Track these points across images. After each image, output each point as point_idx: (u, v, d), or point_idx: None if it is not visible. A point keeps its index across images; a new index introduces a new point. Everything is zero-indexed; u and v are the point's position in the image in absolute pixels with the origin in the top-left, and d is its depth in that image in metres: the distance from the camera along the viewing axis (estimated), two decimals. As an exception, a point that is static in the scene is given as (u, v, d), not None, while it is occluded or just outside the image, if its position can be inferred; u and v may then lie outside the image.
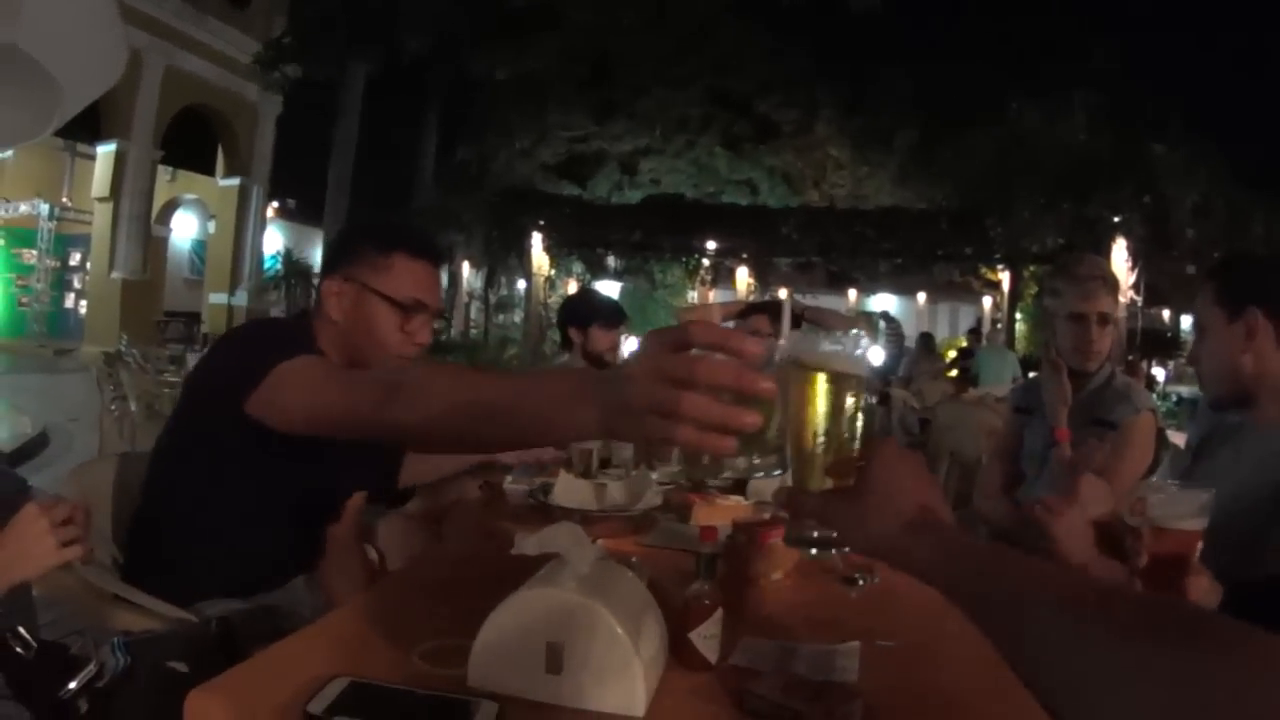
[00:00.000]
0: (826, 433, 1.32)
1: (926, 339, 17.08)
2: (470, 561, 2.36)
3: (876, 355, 17.92)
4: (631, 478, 2.96)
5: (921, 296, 29.08)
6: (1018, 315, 22.88)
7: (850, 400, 1.32)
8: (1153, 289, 19.84)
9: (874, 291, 27.54)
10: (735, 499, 3.00)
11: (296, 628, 1.87)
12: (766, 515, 2.40)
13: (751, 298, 19.32)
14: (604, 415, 1.27)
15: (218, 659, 1.80)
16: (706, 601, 1.70)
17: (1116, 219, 19.88)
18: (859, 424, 1.33)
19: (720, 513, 2.76)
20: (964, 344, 19.90)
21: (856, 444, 1.33)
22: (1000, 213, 21.56)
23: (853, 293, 25.83)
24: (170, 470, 2.45)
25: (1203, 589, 1.73)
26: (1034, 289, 22.76)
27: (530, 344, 22.48)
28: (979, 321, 25.72)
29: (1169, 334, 23.70)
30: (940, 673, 1.77)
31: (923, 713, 1.61)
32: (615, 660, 1.47)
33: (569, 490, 2.84)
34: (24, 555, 1.83)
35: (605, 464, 3.43)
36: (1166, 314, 24.98)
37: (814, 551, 1.43)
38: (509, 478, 3.24)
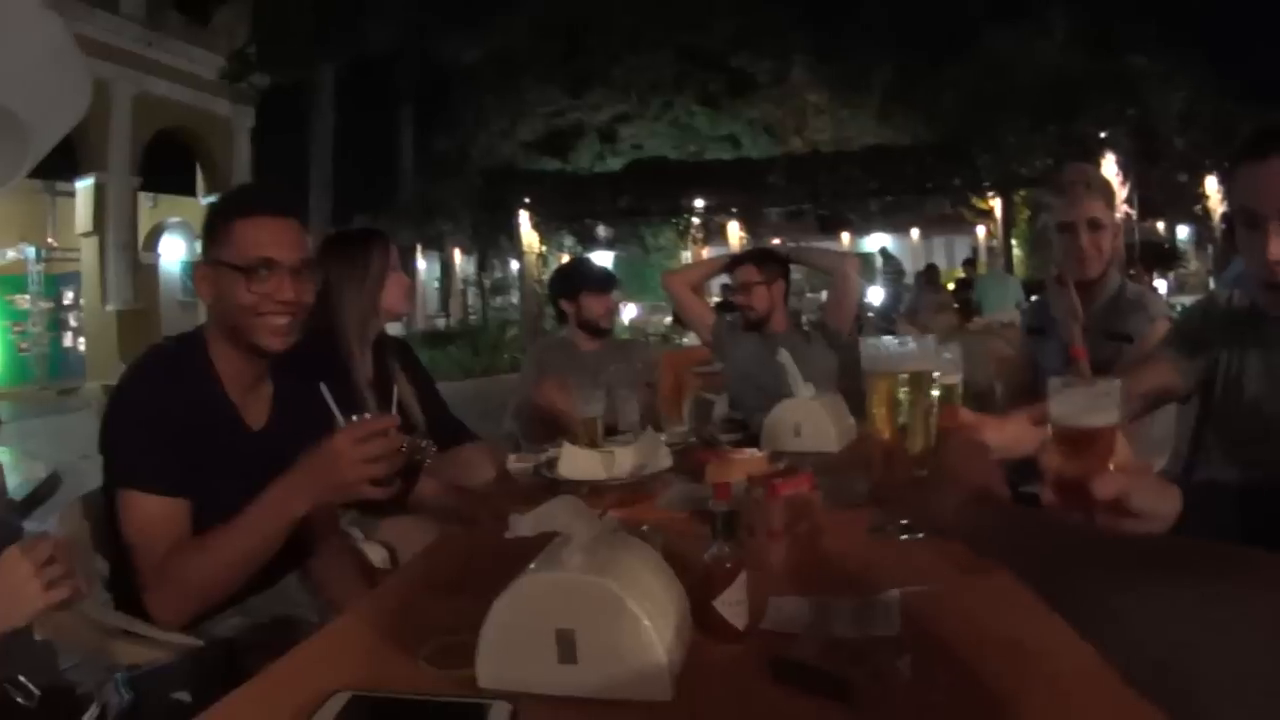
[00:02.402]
0: (905, 428, 1.50)
1: (931, 271, 16.89)
2: (478, 551, 2.27)
3: (876, 294, 17.97)
4: (639, 441, 2.85)
5: (915, 232, 28.98)
6: (1013, 241, 22.85)
7: (923, 395, 1.50)
8: (1146, 202, 19.78)
9: (867, 232, 27.40)
10: (750, 452, 2.89)
11: (304, 633, 1.77)
12: (781, 465, 2.28)
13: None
14: (313, 494, 2.02)
15: (221, 684, 1.72)
16: (728, 564, 1.58)
17: (1103, 134, 19.83)
18: (934, 416, 1.50)
19: (735, 468, 2.66)
20: (962, 275, 19.85)
21: (932, 435, 1.50)
22: (986, 141, 21.59)
23: (846, 235, 25.69)
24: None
25: (1119, 486, 1.55)
26: (1026, 213, 22.76)
27: (529, 322, 22.55)
28: (974, 251, 25.72)
29: (1166, 245, 23.65)
30: (986, 618, 1.63)
31: (978, 664, 1.47)
32: (634, 642, 1.35)
33: (575, 462, 2.74)
34: (9, 603, 1.72)
35: (610, 431, 3.32)
36: (1161, 226, 24.86)
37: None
38: (512, 456, 3.14)
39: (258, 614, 2.32)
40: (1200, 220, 22.58)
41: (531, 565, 1.44)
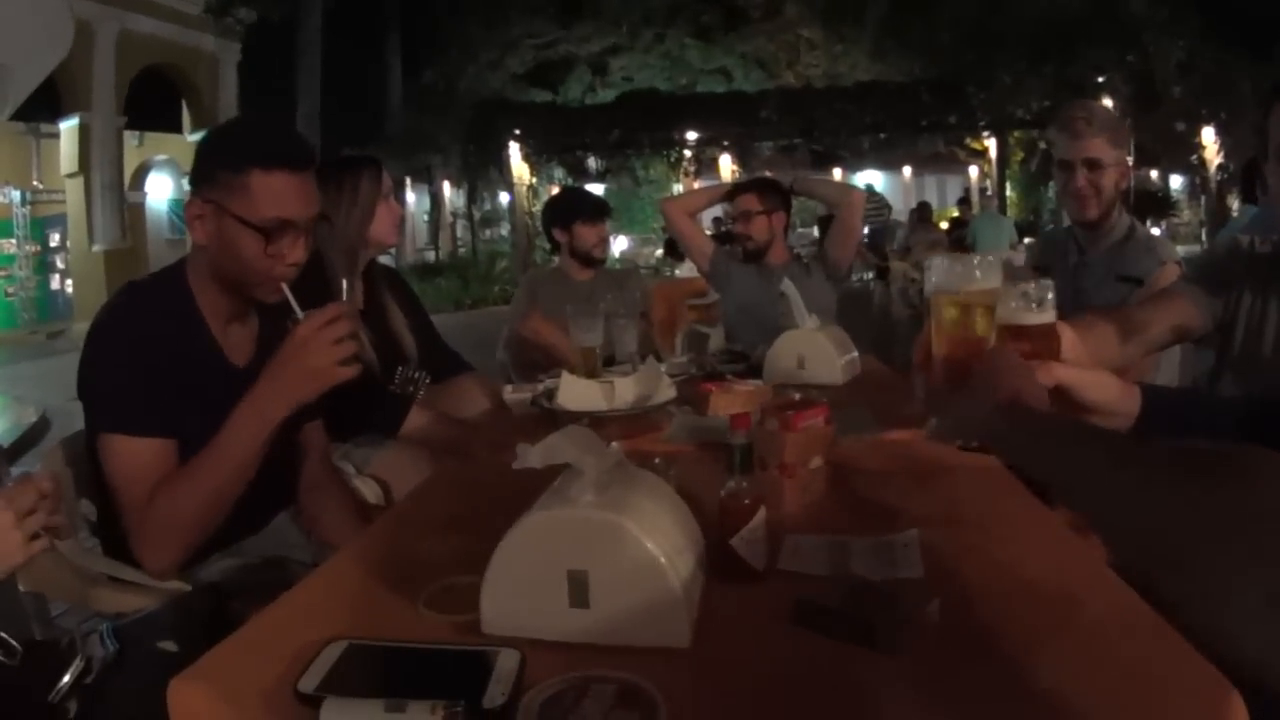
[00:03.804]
0: (964, 343, 1.51)
1: (923, 208, 16.79)
2: (477, 486, 2.18)
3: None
4: (640, 371, 2.75)
5: (907, 170, 29.00)
6: (1007, 182, 22.84)
7: (982, 317, 1.51)
8: (1141, 149, 19.69)
9: (859, 169, 27.34)
10: (754, 383, 2.81)
11: (297, 575, 1.68)
12: (796, 396, 2.18)
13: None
14: (286, 392, 2.00)
15: (209, 632, 1.64)
16: (746, 501, 1.49)
17: (1100, 79, 19.73)
18: (990, 335, 1.51)
19: (739, 399, 2.60)
20: (956, 214, 19.78)
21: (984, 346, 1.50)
22: (981, 80, 21.48)
23: (838, 171, 25.58)
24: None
25: (1060, 376, 1.50)
26: (1020, 155, 22.70)
27: (520, 255, 22.52)
28: (967, 191, 25.72)
29: (1160, 193, 23.63)
30: (1015, 558, 1.55)
31: (1009, 608, 1.38)
32: (650, 584, 1.26)
33: (574, 393, 2.65)
34: None
35: (609, 361, 3.22)
36: (1155, 174, 24.80)
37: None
38: (509, 388, 3.06)
39: (248, 555, 2.26)
40: (1195, 170, 22.55)
41: (539, 501, 1.35)
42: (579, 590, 1.27)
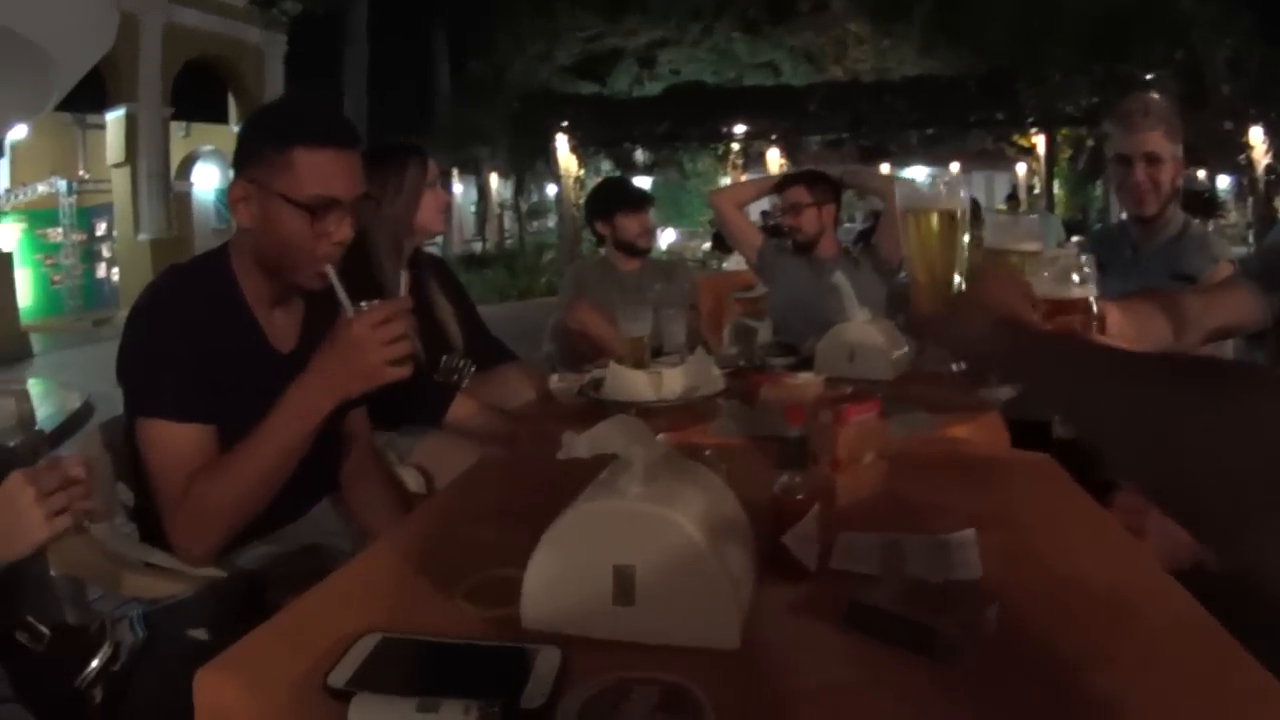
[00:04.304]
0: (938, 260, 1.54)
1: (973, 205, 16.65)
2: (521, 476, 2.12)
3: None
4: (689, 362, 2.68)
5: (955, 166, 28.74)
6: (1055, 180, 22.65)
7: (953, 231, 1.54)
8: (1188, 148, 19.47)
9: (907, 164, 27.11)
10: (804, 375, 2.74)
11: (335, 563, 1.63)
12: (848, 390, 2.11)
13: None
14: (336, 387, 1.94)
15: (241, 621, 1.59)
16: (800, 496, 1.42)
17: (1149, 76, 19.56)
18: (965, 250, 1.53)
19: (789, 392, 2.53)
20: (1004, 209, 19.66)
21: (965, 266, 1.53)
22: (1030, 75, 21.31)
23: (885, 166, 25.34)
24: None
25: None
26: (1068, 152, 22.49)
27: (566, 246, 22.56)
28: (1014, 188, 25.49)
29: (1206, 194, 23.36)
30: (1074, 562, 1.47)
31: (1068, 615, 1.30)
32: (701, 582, 1.20)
33: (621, 383, 2.58)
34: (9, 534, 1.59)
35: (656, 352, 3.16)
36: (1202, 174, 24.51)
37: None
38: (555, 377, 3.00)
39: (286, 543, 2.23)
40: (1243, 170, 22.28)
41: (585, 493, 1.28)
42: (624, 586, 1.21)
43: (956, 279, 1.54)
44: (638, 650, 1.20)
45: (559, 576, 1.24)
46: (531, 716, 1.06)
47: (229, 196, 2.13)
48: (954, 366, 1.55)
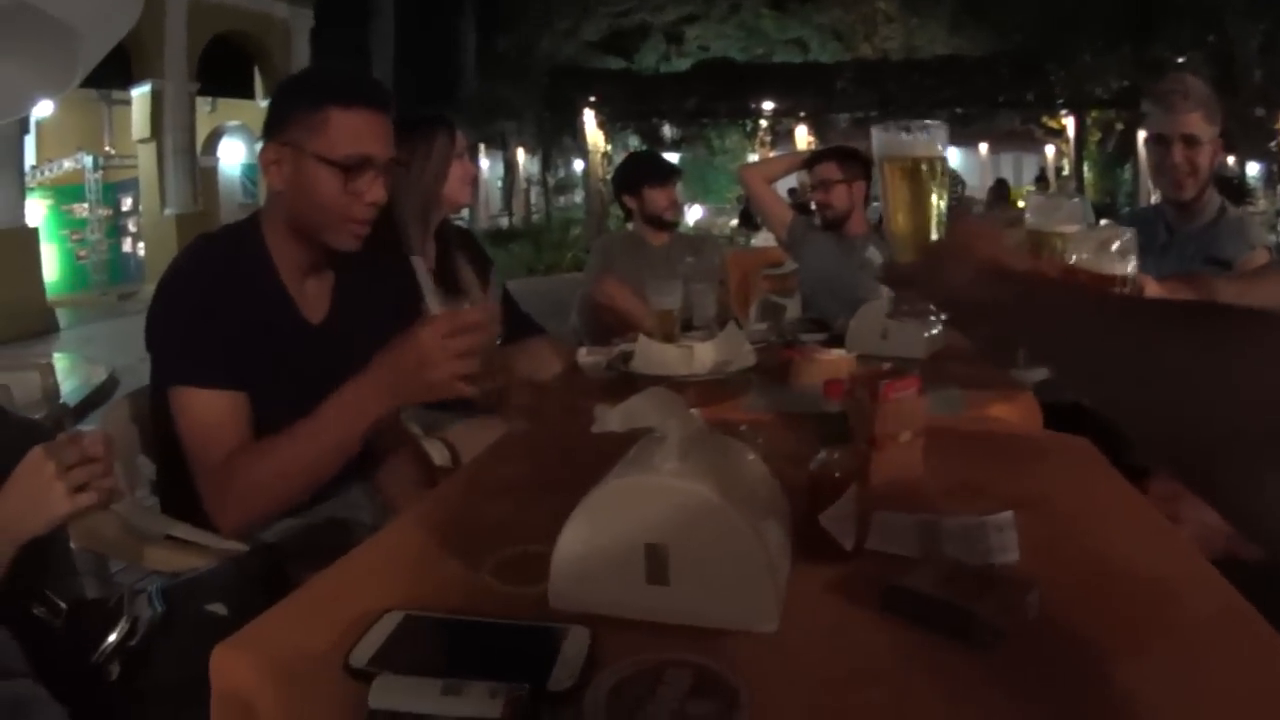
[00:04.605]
0: (916, 209, 1.48)
1: (1001, 186, 16.54)
2: (549, 450, 2.07)
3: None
4: (720, 337, 2.64)
5: (983, 147, 28.66)
6: (1084, 163, 22.54)
7: (931, 180, 1.46)
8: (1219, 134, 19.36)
9: (936, 143, 27.06)
10: (837, 352, 2.68)
11: (358, 538, 1.59)
12: (886, 366, 2.05)
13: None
14: (395, 394, 1.85)
15: (261, 595, 1.56)
16: (837, 474, 1.36)
17: (1180, 59, 19.42)
18: (943, 200, 1.47)
19: (821, 368, 2.48)
20: (1033, 191, 19.54)
21: (942, 216, 1.47)
22: (1060, 56, 21.14)
23: (912, 146, 25.31)
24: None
25: None
26: (1098, 135, 22.34)
27: (593, 221, 22.54)
28: (1043, 170, 25.35)
29: (1236, 180, 23.19)
30: (1115, 549, 1.41)
31: (1102, 599, 1.25)
32: (738, 562, 1.15)
33: (651, 356, 2.55)
34: (29, 508, 1.56)
35: (685, 327, 3.12)
36: (1231, 160, 24.33)
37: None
38: (583, 350, 2.96)
39: (309, 516, 2.19)
40: (1273, 157, 22.09)
41: (617, 467, 1.23)
42: (658, 565, 1.16)
43: (934, 228, 1.48)
44: (667, 631, 1.15)
45: (589, 554, 1.19)
46: (559, 699, 1.01)
47: (260, 160, 2.11)
48: (931, 318, 1.49)
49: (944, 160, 1.49)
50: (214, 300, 2.00)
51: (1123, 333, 0.91)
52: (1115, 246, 1.58)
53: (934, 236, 1.46)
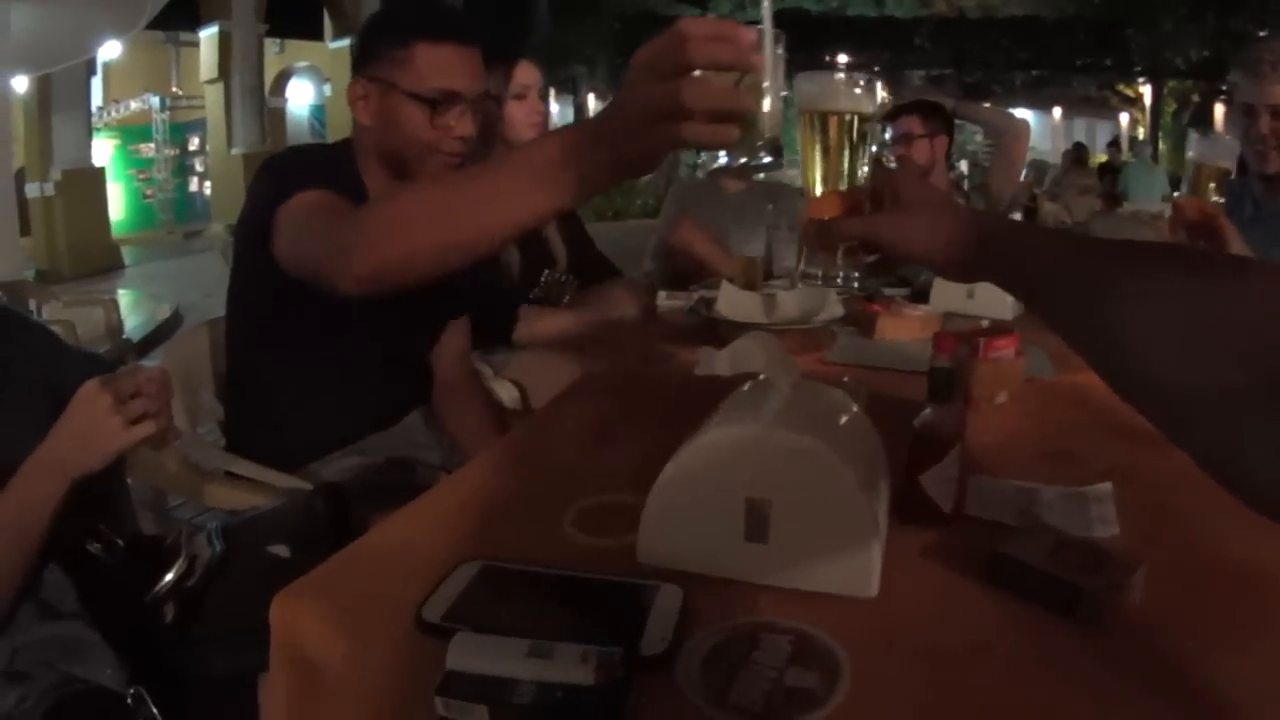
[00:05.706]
0: (839, 161, 1.36)
1: (1079, 149, 16.15)
2: (628, 394, 1.97)
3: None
4: (803, 286, 2.55)
5: (1057, 111, 28.29)
6: (1159, 132, 22.21)
7: (856, 131, 1.37)
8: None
9: (1010, 105, 26.66)
10: (924, 308, 2.59)
11: (423, 479, 1.52)
12: (984, 323, 1.96)
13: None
14: (608, 148, 1.20)
15: (325, 537, 1.54)
16: (942, 434, 1.27)
17: (1262, 33, 18.98)
18: (867, 152, 1.38)
19: (907, 325, 2.40)
20: (1105, 159, 19.10)
21: (865, 170, 1.37)
22: (1141, 23, 20.74)
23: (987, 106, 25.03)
24: (247, 324, 2.22)
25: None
26: (1173, 106, 21.95)
27: (665, 169, 22.42)
28: (1116, 137, 24.98)
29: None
30: (1215, 530, 1.28)
31: (1204, 581, 1.16)
32: (843, 522, 1.06)
33: (734, 302, 2.47)
34: (85, 441, 1.50)
35: (766, 275, 3.04)
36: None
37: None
38: (663, 294, 2.89)
39: (372, 454, 2.15)
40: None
41: (719, 416, 1.14)
42: (758, 522, 1.07)
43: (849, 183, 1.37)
44: (765, 593, 1.07)
45: (685, 507, 1.10)
46: (652, 664, 0.93)
47: (348, 96, 2.11)
48: (839, 277, 1.40)
49: (875, 114, 1.41)
50: (319, 174, 1.88)
51: (1087, 270, 0.91)
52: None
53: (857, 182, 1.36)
